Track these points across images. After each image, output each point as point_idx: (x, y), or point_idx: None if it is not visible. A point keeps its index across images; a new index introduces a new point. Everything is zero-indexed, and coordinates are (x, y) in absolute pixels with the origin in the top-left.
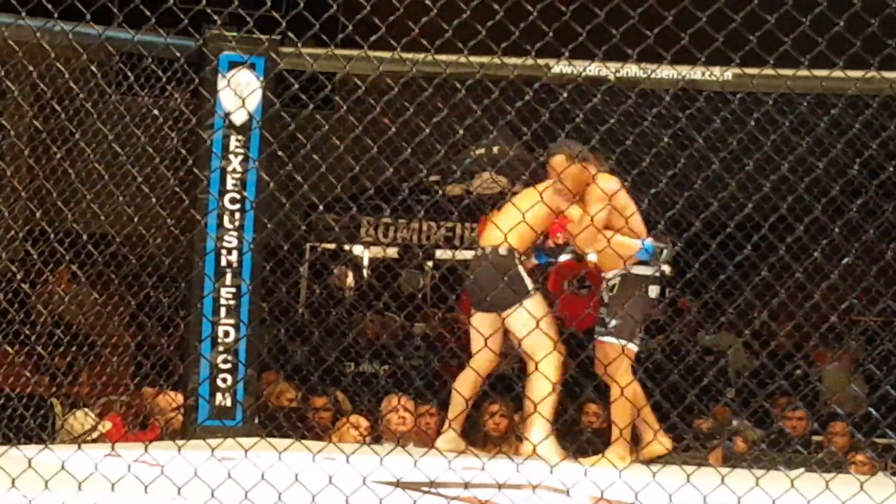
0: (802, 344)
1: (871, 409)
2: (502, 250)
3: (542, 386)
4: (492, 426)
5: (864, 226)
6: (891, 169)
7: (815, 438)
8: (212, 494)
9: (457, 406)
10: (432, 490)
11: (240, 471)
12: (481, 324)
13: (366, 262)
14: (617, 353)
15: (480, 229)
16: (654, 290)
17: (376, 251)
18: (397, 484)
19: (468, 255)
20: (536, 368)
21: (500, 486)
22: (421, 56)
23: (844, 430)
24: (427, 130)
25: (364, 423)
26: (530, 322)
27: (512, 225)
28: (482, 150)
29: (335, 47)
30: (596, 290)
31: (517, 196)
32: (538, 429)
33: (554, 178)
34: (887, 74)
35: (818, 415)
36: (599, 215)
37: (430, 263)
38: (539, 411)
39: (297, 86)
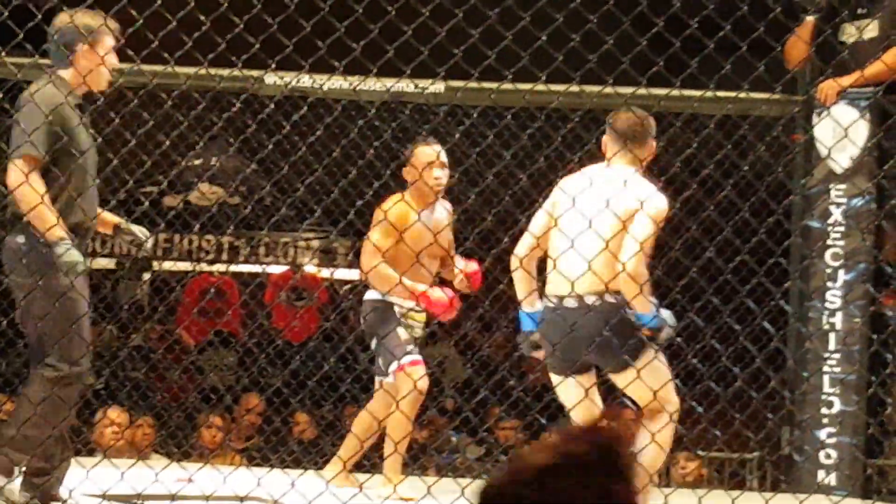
0: (512, 353)
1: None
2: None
3: None
4: (208, 439)
5: None
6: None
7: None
8: None
9: None
10: (139, 503)
11: None
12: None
13: None
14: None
15: None
16: None
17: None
18: (104, 496)
19: (183, 266)
20: None
21: (207, 498)
22: (126, 66)
23: None
24: (133, 141)
25: None
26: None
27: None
28: (199, 161)
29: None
30: (313, 301)
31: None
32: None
33: None
34: (589, 88)
35: (528, 424)
36: None
37: (146, 275)
38: None
39: None
